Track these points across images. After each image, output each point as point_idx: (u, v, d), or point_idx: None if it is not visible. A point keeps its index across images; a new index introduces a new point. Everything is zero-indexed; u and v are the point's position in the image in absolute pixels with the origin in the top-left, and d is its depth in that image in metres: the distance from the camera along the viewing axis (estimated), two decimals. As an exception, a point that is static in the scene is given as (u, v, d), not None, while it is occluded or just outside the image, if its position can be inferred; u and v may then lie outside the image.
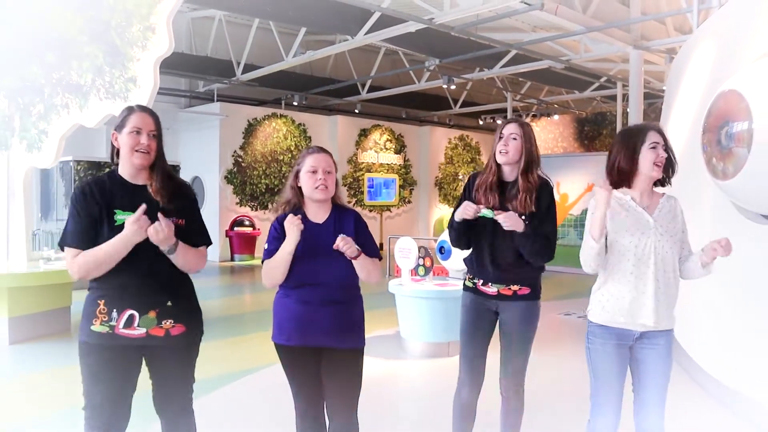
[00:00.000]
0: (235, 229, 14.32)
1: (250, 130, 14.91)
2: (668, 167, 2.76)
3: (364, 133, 17.23)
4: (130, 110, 2.49)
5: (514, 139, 3.00)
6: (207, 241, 2.66)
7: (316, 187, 2.73)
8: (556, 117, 18.00)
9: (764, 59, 4.28)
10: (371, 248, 2.83)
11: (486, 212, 2.95)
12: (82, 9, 6.19)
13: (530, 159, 3.04)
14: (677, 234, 2.76)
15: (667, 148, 2.73)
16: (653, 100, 15.73)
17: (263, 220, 14.85)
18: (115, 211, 2.39)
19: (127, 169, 2.48)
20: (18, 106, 6.56)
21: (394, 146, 17.91)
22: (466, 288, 3.21)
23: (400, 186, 18.05)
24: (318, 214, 2.81)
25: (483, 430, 3.24)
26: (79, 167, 10.49)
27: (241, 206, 14.75)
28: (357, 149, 16.95)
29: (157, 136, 2.49)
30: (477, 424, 3.23)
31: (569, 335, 7.02)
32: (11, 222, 6.67)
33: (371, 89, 16.02)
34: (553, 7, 8.40)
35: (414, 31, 9.37)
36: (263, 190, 14.95)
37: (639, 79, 10.60)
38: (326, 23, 9.80)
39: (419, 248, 6.19)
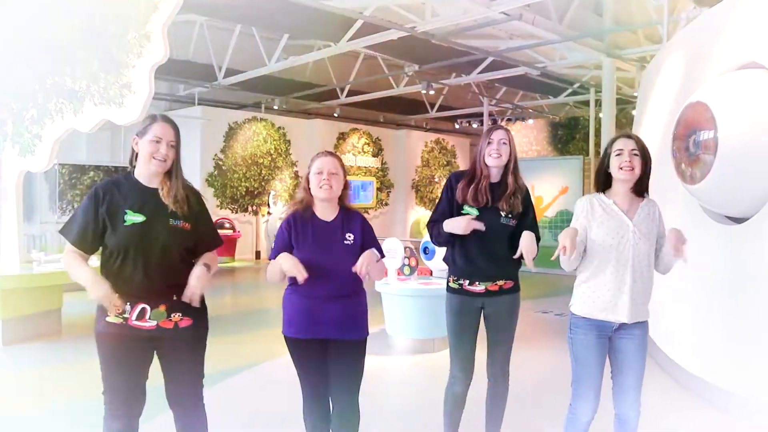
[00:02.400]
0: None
1: (231, 133, 15.05)
2: (643, 175, 3.00)
3: (342, 137, 17.46)
4: (153, 119, 2.68)
5: (504, 144, 3.24)
6: (216, 243, 2.89)
7: (321, 186, 2.97)
8: (531, 121, 18.41)
9: (729, 74, 4.63)
10: (376, 248, 3.07)
11: (471, 210, 3.22)
12: (78, 16, 6.34)
13: (516, 162, 3.33)
14: (653, 236, 3.02)
15: (643, 155, 2.97)
16: (624, 106, 16.19)
17: (243, 223, 15.02)
18: (126, 211, 2.58)
19: (143, 173, 2.67)
20: (11, 111, 6.68)
21: (371, 150, 18.17)
22: (451, 290, 3.35)
23: (378, 189, 18.32)
24: (326, 213, 3.04)
25: (470, 414, 3.45)
26: (63, 170, 10.57)
27: (221, 209, 14.87)
28: (336, 152, 17.11)
29: (176, 146, 2.68)
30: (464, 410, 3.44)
31: (547, 331, 7.33)
32: (3, 224, 6.78)
33: (350, 93, 16.26)
34: (530, 18, 8.73)
35: (396, 38, 9.62)
36: (243, 193, 15.09)
37: (611, 85, 11.01)
38: (310, 30, 10.03)
39: (405, 248, 6.44)
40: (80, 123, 6.49)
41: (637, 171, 2.96)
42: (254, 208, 15.46)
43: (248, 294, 10.53)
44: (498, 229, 3.23)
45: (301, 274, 2.77)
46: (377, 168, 18.32)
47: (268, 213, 15.70)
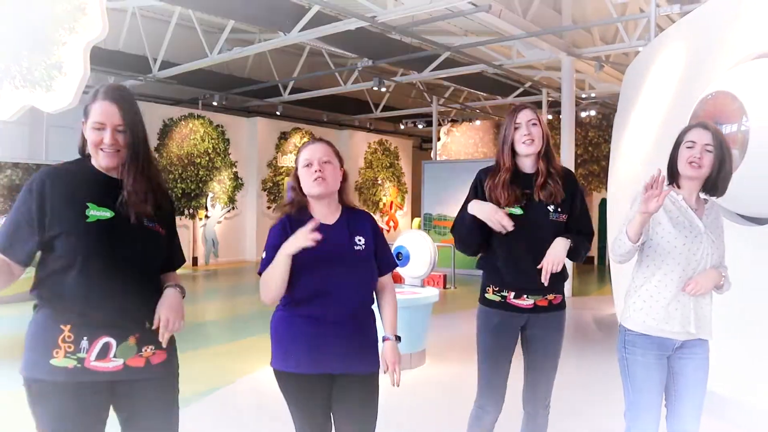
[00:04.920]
0: (149, 236, 13.38)
1: (166, 131, 14.00)
2: (720, 173, 2.58)
3: (284, 137, 16.67)
4: (93, 97, 1.98)
5: (534, 125, 2.69)
6: (182, 260, 2.24)
7: (314, 180, 2.34)
8: (477, 122, 18.12)
9: (754, 61, 4.24)
10: (388, 258, 2.53)
11: (514, 210, 2.66)
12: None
13: (549, 145, 2.76)
14: (720, 241, 2.66)
15: (718, 152, 2.54)
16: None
17: (179, 227, 13.96)
18: (88, 204, 1.89)
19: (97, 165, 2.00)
20: None
21: (315, 150, 17.42)
22: (489, 302, 2.78)
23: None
24: (327, 214, 2.42)
25: None
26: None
27: (155, 212, 13.81)
28: (277, 153, 16.37)
29: (127, 129, 1.96)
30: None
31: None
32: None
33: (293, 91, 15.51)
34: (497, 10, 8.29)
35: (354, 29, 8.99)
36: (179, 195, 14.07)
37: (570, 85, 10.74)
38: (258, 17, 9.24)
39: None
40: (-2, 109, 5.56)
41: (706, 170, 2.54)
42: (191, 211, 14.44)
43: (186, 305, 9.59)
44: (548, 226, 2.67)
45: (315, 224, 2.18)
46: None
47: (206, 216, 14.76)
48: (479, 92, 15.60)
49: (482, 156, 17.29)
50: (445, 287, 10.93)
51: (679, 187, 2.64)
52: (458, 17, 8.79)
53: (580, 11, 10.68)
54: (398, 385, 2.37)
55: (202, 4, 8.62)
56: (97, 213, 1.89)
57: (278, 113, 16.84)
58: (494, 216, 2.59)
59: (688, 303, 2.53)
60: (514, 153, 2.73)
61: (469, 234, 2.74)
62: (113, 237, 1.89)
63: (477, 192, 2.76)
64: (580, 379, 5.24)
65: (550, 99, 14.41)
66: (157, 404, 2.02)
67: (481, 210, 2.63)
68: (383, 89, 13.68)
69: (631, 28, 10.23)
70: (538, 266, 2.60)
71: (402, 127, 20.08)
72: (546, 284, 2.61)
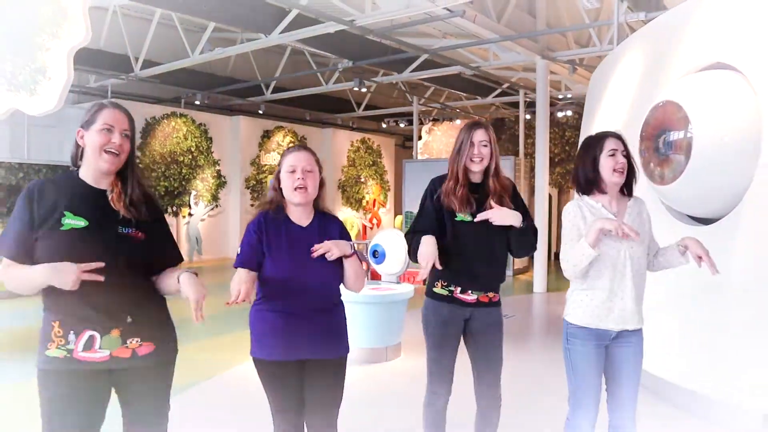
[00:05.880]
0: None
1: (148, 129, 14.12)
2: (630, 173, 2.87)
3: (267, 135, 16.82)
4: (101, 106, 2.21)
5: (485, 146, 2.98)
6: (178, 259, 2.43)
7: (295, 188, 2.58)
8: (458, 122, 18.39)
9: (699, 73, 4.52)
10: (357, 256, 2.75)
11: (465, 217, 2.94)
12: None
13: (498, 161, 3.05)
14: (647, 237, 2.90)
15: (627, 155, 2.83)
16: (549, 108, 16.41)
17: (162, 224, 14.12)
18: (65, 213, 2.10)
19: (90, 172, 2.20)
20: None
21: (297, 148, 17.58)
22: (437, 296, 3.06)
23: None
24: (301, 216, 2.66)
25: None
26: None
27: (138, 209, 13.92)
28: (260, 151, 16.53)
29: (130, 137, 2.22)
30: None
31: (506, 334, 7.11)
32: None
33: (275, 90, 15.67)
34: (471, 15, 8.54)
35: (333, 32, 9.20)
36: (162, 193, 14.20)
37: (545, 87, 11.02)
38: (239, 19, 9.42)
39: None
40: (-17, 112, 5.73)
41: (625, 174, 2.82)
42: (174, 209, 14.58)
43: (171, 301, 9.76)
44: (495, 232, 2.95)
45: (241, 295, 2.38)
46: (302, 167, 17.73)
47: (189, 214, 14.90)
48: (459, 92, 15.85)
49: (462, 155, 17.53)
50: (424, 283, 11.15)
51: (603, 193, 2.85)
52: (436, 21, 9.02)
53: (555, 15, 10.96)
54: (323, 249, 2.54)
55: (183, 5, 8.78)
56: (72, 221, 2.09)
57: (261, 112, 16.99)
58: (430, 263, 2.84)
59: (624, 301, 2.77)
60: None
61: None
62: (86, 244, 2.09)
63: (432, 200, 3.03)
64: (543, 370, 5.51)
65: (527, 99, 14.70)
66: (147, 390, 2.25)
67: (423, 254, 2.87)
68: (363, 89, 13.87)
69: (604, 31, 10.53)
70: (491, 202, 2.89)
71: (384, 126, 20.27)
72: (492, 206, 2.88)
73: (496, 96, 15.56)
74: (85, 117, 2.20)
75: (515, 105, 16.01)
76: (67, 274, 1.96)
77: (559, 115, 15.52)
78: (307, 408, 2.64)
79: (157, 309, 2.34)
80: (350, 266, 2.64)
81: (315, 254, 2.52)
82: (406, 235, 3.12)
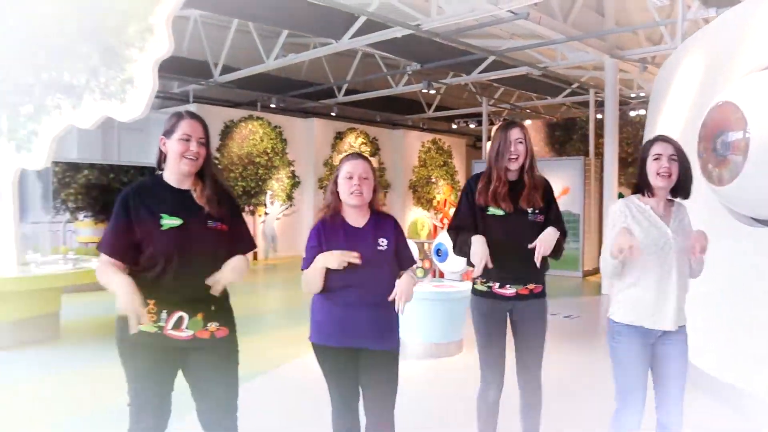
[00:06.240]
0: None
1: (227, 132, 14.82)
2: (684, 178, 2.91)
3: (339, 136, 17.28)
4: (179, 117, 2.50)
5: (520, 143, 3.11)
6: (251, 246, 2.71)
7: (351, 193, 2.82)
8: (528, 122, 18.30)
9: (757, 73, 4.51)
10: (408, 256, 2.96)
11: (497, 211, 3.09)
12: (76, 9, 6.13)
13: (533, 159, 3.19)
14: (688, 241, 2.92)
15: (679, 159, 2.88)
16: (622, 107, 16.12)
17: (239, 223, 14.76)
18: (162, 215, 2.42)
19: (173, 175, 2.51)
20: (6, 105, 6.47)
21: (369, 149, 17.99)
22: (478, 292, 3.21)
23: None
24: (357, 218, 2.89)
25: (503, 424, 3.33)
26: (57, 169, 10.32)
27: (217, 209, 14.60)
28: (333, 152, 16.99)
29: (205, 143, 2.52)
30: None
31: (562, 335, 7.17)
32: (-1, 224, 6.56)
33: (347, 93, 16.09)
34: (536, 17, 8.60)
35: (400, 36, 9.46)
36: (240, 193, 14.86)
37: (614, 86, 10.91)
38: (311, 26, 9.83)
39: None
40: (79, 119, 6.29)
41: (674, 177, 2.88)
42: (251, 208, 15.24)
43: (247, 295, 10.30)
44: (527, 227, 3.10)
45: (353, 257, 2.68)
46: (374, 168, 18.05)
47: (265, 213, 15.51)
48: (529, 92, 15.81)
49: (533, 155, 17.42)
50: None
51: (652, 196, 2.95)
52: (502, 23, 9.13)
53: (624, 13, 10.83)
54: (399, 300, 2.73)
55: (258, 16, 9.23)
56: (169, 222, 2.41)
57: (333, 114, 17.46)
58: (483, 263, 2.98)
59: (669, 303, 2.84)
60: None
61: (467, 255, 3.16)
62: (184, 239, 2.42)
63: (468, 197, 3.20)
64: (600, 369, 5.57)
65: (597, 99, 14.51)
66: (219, 369, 2.55)
67: (475, 255, 3.00)
68: (432, 91, 14.07)
69: (676, 29, 10.33)
70: (530, 245, 2.98)
71: (454, 126, 20.37)
72: (538, 265, 3.00)
73: (566, 96, 15.43)
74: (167, 126, 2.51)
75: (586, 104, 15.81)
76: (125, 303, 2.24)
77: (632, 114, 15.24)
78: (363, 396, 2.86)
79: (228, 300, 2.64)
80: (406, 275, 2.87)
81: (399, 311, 2.75)
82: (448, 231, 3.29)
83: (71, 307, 7.48)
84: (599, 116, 15.36)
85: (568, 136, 17.41)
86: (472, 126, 19.79)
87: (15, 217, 6.67)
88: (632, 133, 15.37)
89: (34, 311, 6.44)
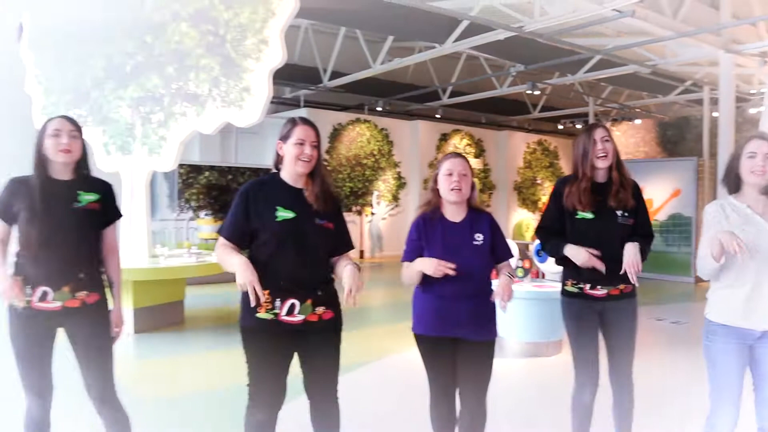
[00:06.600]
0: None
1: (335, 134, 15.42)
2: None
3: (444, 138, 17.49)
4: (294, 123, 2.78)
5: (607, 141, 3.13)
6: (350, 246, 2.94)
7: (451, 189, 2.99)
8: (637, 121, 17.71)
9: None
10: (504, 249, 3.09)
11: (586, 215, 3.14)
12: (200, 24, 6.74)
13: (620, 158, 3.21)
14: None
15: None
16: (740, 104, 15.30)
17: (348, 223, 15.28)
18: (277, 207, 2.70)
19: (289, 174, 2.79)
20: (139, 114, 7.19)
21: (473, 151, 18.08)
22: (569, 294, 3.24)
23: (480, 190, 18.17)
24: (455, 214, 3.06)
25: (597, 424, 3.37)
26: (182, 170, 11.19)
27: (325, 209, 15.21)
28: (438, 153, 17.21)
29: (317, 146, 2.79)
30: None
31: (663, 340, 7.05)
32: (133, 221, 7.28)
33: (452, 95, 16.27)
34: (643, 14, 8.44)
35: (501, 38, 9.56)
36: (348, 194, 15.41)
37: (730, 83, 10.45)
38: (415, 31, 10.13)
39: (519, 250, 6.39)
40: (202, 125, 6.90)
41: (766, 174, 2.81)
42: (358, 208, 15.77)
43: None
44: (617, 229, 3.14)
45: (448, 268, 2.82)
46: (479, 169, 18.19)
47: (372, 213, 15.96)
48: (635, 91, 15.35)
49: (643, 156, 16.89)
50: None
51: (749, 194, 2.88)
52: (606, 22, 9.02)
53: (741, 5, 10.34)
54: (503, 300, 2.90)
55: (364, 23, 9.62)
56: (283, 214, 2.70)
57: (438, 116, 17.70)
58: (588, 263, 3.07)
59: (765, 301, 2.77)
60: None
61: (557, 256, 3.26)
62: (295, 231, 2.70)
63: (556, 199, 3.26)
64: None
65: (713, 96, 13.88)
66: (326, 347, 2.82)
67: (576, 256, 3.10)
68: (537, 92, 13.99)
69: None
70: (621, 272, 3.04)
71: (560, 127, 20.03)
72: (636, 284, 3.09)
73: (679, 93, 14.85)
74: (283, 131, 2.81)
75: (700, 102, 15.14)
76: (242, 277, 2.53)
77: (752, 111, 14.43)
78: (459, 381, 3.03)
79: (333, 284, 2.93)
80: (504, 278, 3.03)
81: (503, 309, 2.90)
82: (535, 231, 3.40)
83: (193, 297, 8.16)
84: (715, 114, 14.70)
85: (681, 136, 16.71)
86: (578, 126, 19.36)
87: (147, 215, 7.39)
88: (752, 132, 14.57)
89: (163, 299, 7.12)
